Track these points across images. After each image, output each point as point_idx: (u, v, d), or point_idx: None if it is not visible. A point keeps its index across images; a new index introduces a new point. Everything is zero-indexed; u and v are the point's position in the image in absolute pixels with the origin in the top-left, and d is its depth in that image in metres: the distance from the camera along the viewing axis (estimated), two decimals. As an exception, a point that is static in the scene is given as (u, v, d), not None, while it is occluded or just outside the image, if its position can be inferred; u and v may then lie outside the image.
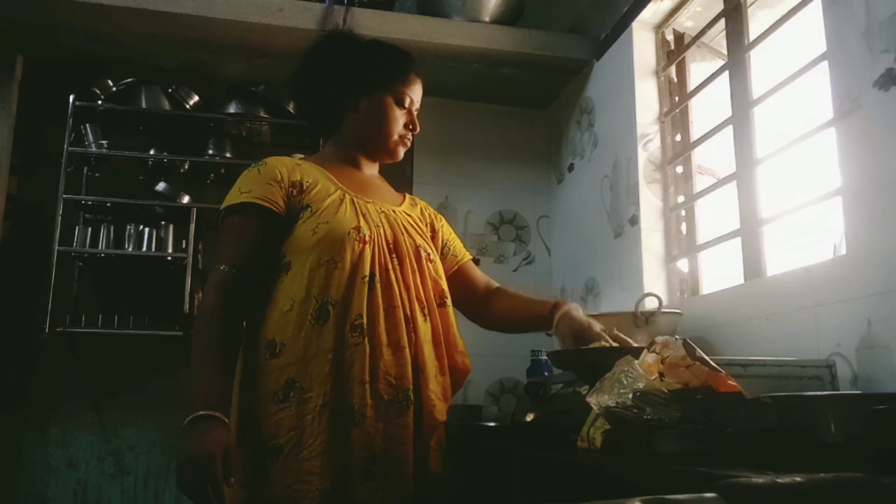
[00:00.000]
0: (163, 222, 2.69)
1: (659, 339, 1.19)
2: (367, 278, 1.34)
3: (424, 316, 1.41)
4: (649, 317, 1.61)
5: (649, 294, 1.68)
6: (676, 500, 0.58)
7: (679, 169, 2.34)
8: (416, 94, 1.56)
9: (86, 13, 2.39)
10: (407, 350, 1.35)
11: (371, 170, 1.58)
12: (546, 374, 2.24)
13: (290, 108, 2.81)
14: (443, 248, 1.61)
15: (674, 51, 2.41)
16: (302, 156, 1.54)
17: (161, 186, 2.69)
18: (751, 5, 2.08)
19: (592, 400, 1.14)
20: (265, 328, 1.33)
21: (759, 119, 1.97)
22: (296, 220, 1.38)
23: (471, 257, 1.69)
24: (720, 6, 2.16)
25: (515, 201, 3.04)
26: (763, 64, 2.02)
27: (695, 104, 2.35)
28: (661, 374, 1.13)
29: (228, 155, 2.79)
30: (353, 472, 1.27)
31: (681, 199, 2.32)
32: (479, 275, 1.69)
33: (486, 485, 1.52)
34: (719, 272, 2.18)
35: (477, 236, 2.97)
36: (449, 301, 1.50)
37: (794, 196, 1.84)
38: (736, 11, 2.09)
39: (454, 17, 2.66)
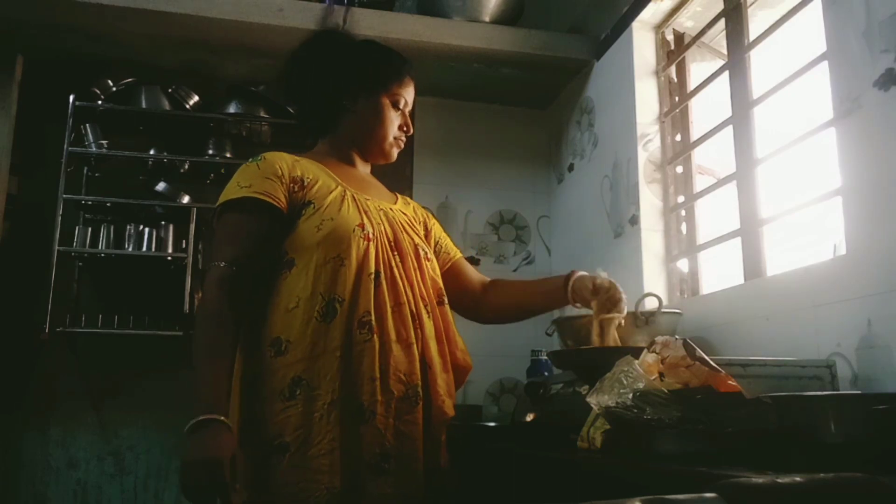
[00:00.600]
0: (163, 222, 2.69)
1: (659, 339, 1.19)
2: (372, 275, 1.34)
3: (428, 313, 1.42)
4: (649, 317, 1.60)
5: (649, 294, 1.67)
6: (676, 500, 0.58)
7: (679, 169, 2.34)
8: (410, 95, 1.57)
9: (86, 13, 2.39)
10: (415, 346, 1.35)
11: (365, 168, 1.58)
12: (546, 374, 2.24)
13: (291, 108, 2.81)
14: (435, 247, 1.62)
15: (674, 51, 2.41)
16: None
17: (161, 186, 2.69)
18: (751, 5, 2.07)
19: (592, 400, 1.14)
20: (269, 326, 1.32)
21: (759, 119, 1.97)
22: (298, 217, 1.37)
23: (461, 255, 1.70)
24: (720, 6, 2.16)
25: (515, 201, 3.05)
26: (763, 64, 2.02)
27: (695, 104, 2.35)
28: (661, 374, 1.13)
29: (228, 155, 2.79)
30: (364, 469, 1.27)
31: (681, 199, 2.32)
32: (472, 271, 1.70)
33: (486, 485, 1.52)
34: (719, 272, 2.18)
35: (477, 236, 2.97)
36: (446, 299, 1.51)
37: (794, 196, 1.84)
38: (736, 11, 2.09)
39: (454, 17, 2.66)
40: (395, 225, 1.45)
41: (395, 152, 1.57)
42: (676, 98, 2.38)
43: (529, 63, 2.73)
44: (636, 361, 1.14)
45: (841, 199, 1.54)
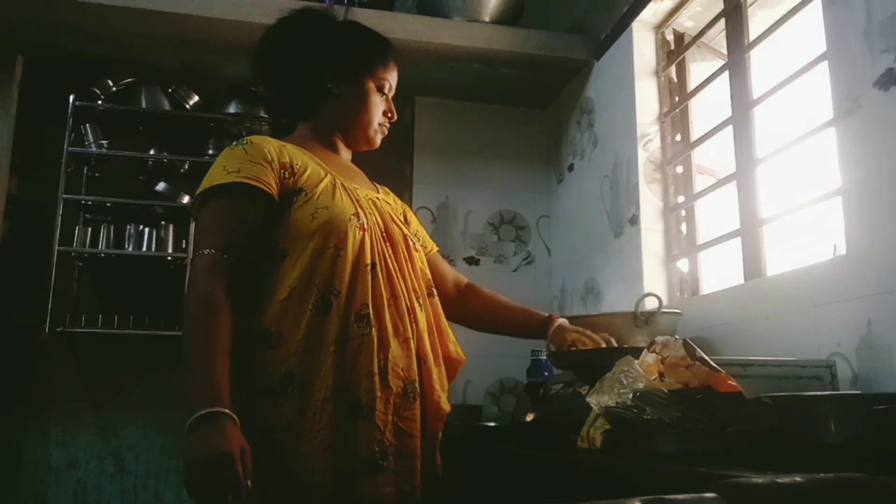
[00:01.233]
0: (163, 222, 2.69)
1: (659, 339, 1.19)
2: (369, 266, 1.30)
3: (420, 306, 1.38)
4: (649, 317, 1.60)
5: (649, 294, 1.67)
6: (676, 500, 0.58)
7: (679, 169, 2.34)
8: (394, 80, 1.51)
9: (86, 13, 2.39)
10: (411, 341, 1.32)
11: (348, 155, 1.52)
12: (546, 374, 2.24)
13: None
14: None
15: (674, 51, 2.41)
16: None
17: (161, 186, 2.69)
18: (751, 5, 2.07)
19: (592, 400, 1.14)
20: (259, 318, 1.26)
21: (759, 119, 1.97)
22: (289, 205, 1.30)
23: (437, 249, 1.66)
24: (720, 6, 2.16)
25: (515, 201, 3.05)
26: (763, 64, 2.02)
27: (695, 104, 2.35)
28: (661, 374, 1.13)
29: (228, 155, 2.79)
30: (361, 467, 1.22)
31: (681, 199, 2.32)
32: (447, 268, 1.67)
33: (486, 485, 1.52)
34: (719, 272, 2.18)
35: (477, 236, 2.97)
36: (435, 291, 1.47)
37: (794, 196, 1.84)
38: (736, 11, 2.09)
39: (454, 17, 2.66)
40: (384, 215, 1.40)
41: (378, 139, 1.51)
42: (676, 98, 2.38)
43: (529, 63, 2.73)
44: (636, 361, 1.14)
45: (841, 199, 1.54)
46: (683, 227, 2.30)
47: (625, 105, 2.42)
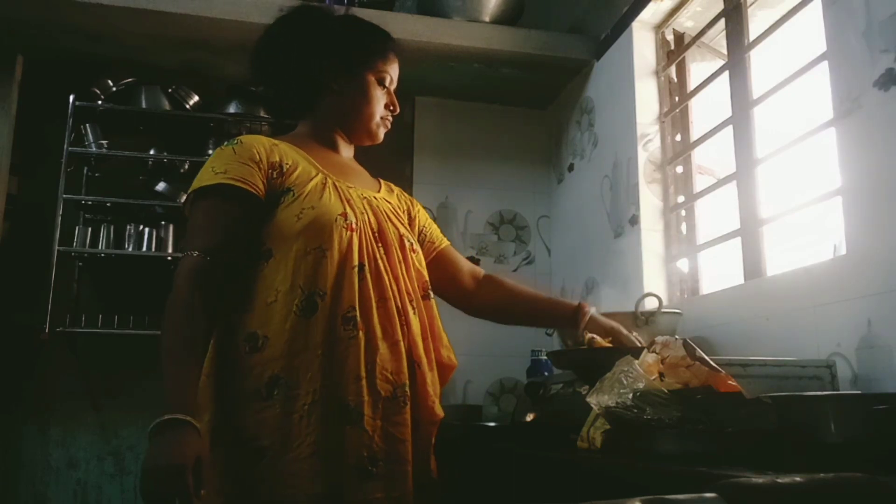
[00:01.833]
0: (163, 222, 2.69)
1: (659, 339, 1.19)
2: (356, 268, 1.26)
3: (413, 309, 1.34)
4: (649, 317, 1.60)
5: (649, 294, 1.67)
6: (676, 500, 0.58)
7: (679, 169, 2.34)
8: (395, 72, 1.49)
9: (86, 13, 2.39)
10: (401, 344, 1.28)
11: (348, 152, 1.49)
12: (546, 374, 2.24)
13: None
14: (419, 234, 1.54)
15: (674, 51, 2.41)
16: None
17: (161, 186, 2.69)
18: (751, 5, 2.07)
19: (592, 400, 1.14)
20: (244, 320, 1.24)
21: (759, 119, 1.97)
22: (276, 205, 1.28)
23: (448, 243, 1.62)
24: (720, 6, 2.16)
25: (515, 201, 3.05)
26: (763, 64, 2.02)
27: (695, 104, 2.35)
28: (661, 374, 1.13)
29: (228, 155, 2.79)
30: (349, 473, 1.20)
31: (681, 199, 2.32)
32: (462, 260, 1.62)
33: (486, 485, 1.52)
34: (719, 272, 2.18)
35: (477, 236, 2.97)
36: (432, 293, 1.43)
37: (794, 196, 1.84)
38: (736, 11, 2.09)
39: (454, 17, 2.66)
40: (379, 214, 1.37)
41: (381, 132, 1.48)
42: (676, 98, 2.38)
43: (529, 63, 2.73)
44: (636, 361, 1.14)
45: (841, 199, 1.54)
46: (683, 227, 2.30)
47: (625, 105, 2.42)
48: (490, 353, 2.77)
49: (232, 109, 2.80)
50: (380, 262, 1.31)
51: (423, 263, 1.45)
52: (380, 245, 1.33)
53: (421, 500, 1.27)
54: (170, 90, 2.77)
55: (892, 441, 0.86)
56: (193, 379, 1.17)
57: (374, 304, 1.27)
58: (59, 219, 2.52)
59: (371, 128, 1.46)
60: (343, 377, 1.22)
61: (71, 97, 2.58)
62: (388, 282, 1.30)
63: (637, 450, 1.08)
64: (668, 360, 1.14)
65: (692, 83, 2.37)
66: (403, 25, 2.54)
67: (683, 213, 2.31)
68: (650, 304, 1.67)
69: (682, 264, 2.26)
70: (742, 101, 2.01)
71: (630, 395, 1.07)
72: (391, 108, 1.49)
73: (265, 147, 1.32)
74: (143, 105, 2.72)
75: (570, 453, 1.27)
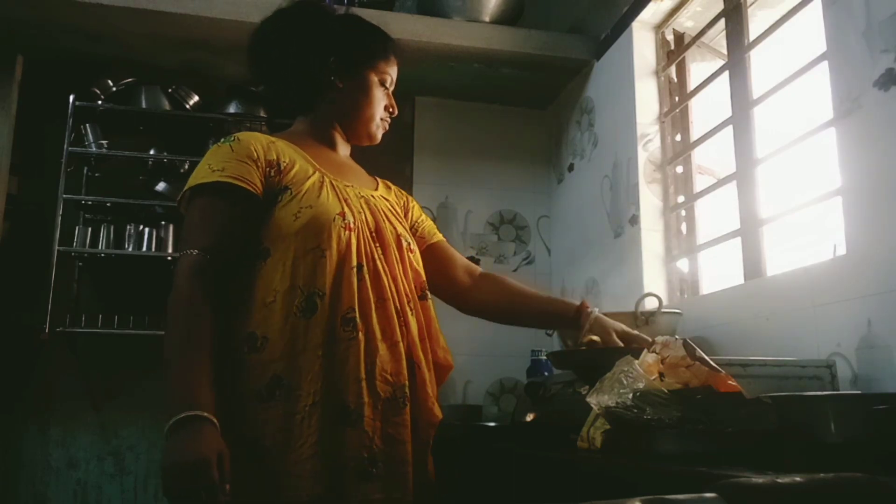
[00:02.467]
0: (163, 222, 2.69)
1: (659, 339, 1.19)
2: (355, 268, 1.25)
3: (411, 310, 1.33)
4: (649, 317, 1.60)
5: (649, 294, 1.67)
6: (676, 500, 0.58)
7: (679, 169, 2.34)
8: (395, 74, 1.48)
9: (86, 13, 2.39)
10: (401, 345, 1.27)
11: (345, 151, 1.48)
12: (546, 374, 2.25)
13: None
14: (412, 227, 1.52)
15: (674, 51, 2.41)
16: None
17: (161, 186, 2.69)
18: (751, 5, 2.08)
19: (592, 400, 1.14)
20: (243, 320, 1.22)
21: (759, 119, 1.97)
22: (274, 204, 1.27)
23: (443, 238, 1.59)
24: (720, 6, 2.16)
25: (515, 201, 3.05)
26: (763, 64, 2.02)
27: (695, 104, 2.35)
28: (661, 374, 1.13)
29: (228, 155, 2.79)
30: (349, 474, 1.19)
31: (681, 199, 2.32)
32: (457, 256, 1.59)
33: (486, 485, 1.52)
34: (719, 272, 2.18)
35: (477, 236, 2.97)
36: (429, 294, 1.42)
37: (794, 196, 1.84)
38: (736, 11, 2.09)
39: (454, 17, 2.66)
40: (377, 213, 1.36)
41: (380, 133, 1.47)
42: (676, 98, 2.38)
43: (529, 63, 2.73)
44: (636, 361, 1.14)
45: (841, 199, 1.54)
46: (683, 227, 2.31)
47: (625, 105, 2.42)
48: (490, 353, 2.77)
49: (232, 109, 2.80)
50: (378, 262, 1.30)
51: (421, 263, 1.44)
52: (377, 245, 1.32)
53: (420, 501, 1.26)
54: (170, 90, 2.77)
55: (892, 441, 0.86)
56: (205, 375, 1.14)
57: (372, 305, 1.26)
58: (59, 219, 2.52)
59: (370, 128, 1.46)
60: (343, 378, 1.21)
61: (71, 97, 2.59)
62: (386, 282, 1.29)
63: (637, 450, 1.08)
64: (668, 360, 1.14)
65: (692, 83, 2.37)
66: (403, 25, 2.54)
67: (683, 213, 2.31)
68: (650, 304, 1.67)
69: (682, 264, 2.26)
70: (742, 101, 2.01)
71: (630, 395, 1.07)
72: (390, 109, 1.48)
73: (262, 144, 1.31)
74: (143, 105, 2.72)
75: (570, 453, 1.27)
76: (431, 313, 1.41)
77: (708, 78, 2.21)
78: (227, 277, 1.24)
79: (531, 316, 1.60)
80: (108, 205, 2.66)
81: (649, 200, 2.31)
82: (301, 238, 1.24)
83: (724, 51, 2.18)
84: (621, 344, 1.42)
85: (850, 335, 1.44)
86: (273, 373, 1.20)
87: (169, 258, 2.65)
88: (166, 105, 2.74)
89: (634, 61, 2.39)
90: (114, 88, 2.73)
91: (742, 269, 1.94)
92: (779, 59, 1.98)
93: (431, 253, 1.54)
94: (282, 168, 1.29)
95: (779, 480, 0.61)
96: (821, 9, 1.63)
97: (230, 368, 1.21)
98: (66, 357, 2.63)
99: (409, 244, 1.40)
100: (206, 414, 1.09)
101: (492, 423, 2.11)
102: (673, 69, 2.41)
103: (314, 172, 1.32)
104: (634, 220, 2.31)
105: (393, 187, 1.56)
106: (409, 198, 1.58)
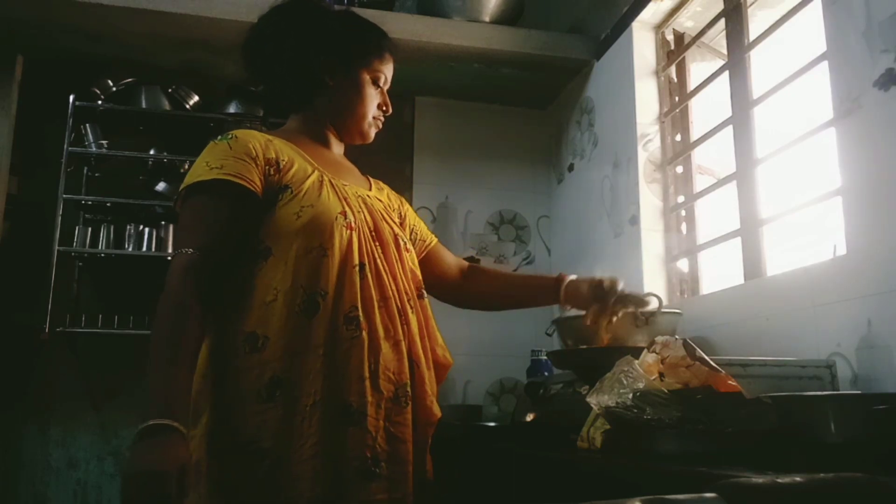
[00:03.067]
0: (163, 222, 2.69)
1: (659, 339, 1.19)
2: (357, 267, 1.25)
3: (411, 308, 1.33)
4: (649, 317, 1.60)
5: (649, 294, 1.67)
6: (676, 500, 0.58)
7: (679, 169, 2.34)
8: (390, 72, 1.47)
9: (86, 13, 2.39)
10: (403, 343, 1.27)
11: (339, 149, 1.47)
12: (546, 374, 2.25)
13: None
14: (410, 234, 1.52)
15: (674, 51, 2.41)
16: None
17: (161, 186, 2.69)
18: (751, 5, 2.07)
19: (592, 400, 1.14)
20: (243, 320, 1.21)
21: (759, 119, 1.97)
22: (274, 202, 1.25)
23: (437, 240, 1.61)
24: (720, 6, 2.16)
25: (515, 201, 3.05)
26: (763, 64, 2.02)
27: (695, 104, 2.35)
28: (661, 374, 1.13)
29: (228, 155, 2.79)
30: (352, 474, 1.18)
31: (681, 199, 2.32)
32: (450, 256, 1.62)
33: (486, 485, 1.52)
34: (719, 272, 2.18)
35: (477, 236, 2.97)
36: (425, 292, 1.42)
37: (794, 196, 1.84)
38: (736, 11, 2.09)
39: (454, 17, 2.66)
40: (375, 213, 1.35)
41: (372, 132, 1.46)
42: (676, 98, 2.38)
43: (529, 63, 2.73)
44: (636, 361, 1.14)
45: (841, 199, 1.54)
46: (683, 227, 2.30)
47: (625, 105, 2.42)
48: (490, 353, 2.77)
49: (232, 109, 2.80)
50: (378, 261, 1.30)
51: (416, 263, 1.44)
52: (377, 244, 1.32)
53: (420, 501, 1.26)
54: (170, 90, 2.77)
55: (892, 441, 0.86)
56: (183, 383, 1.11)
57: (375, 304, 1.26)
58: (59, 219, 2.52)
59: (363, 127, 1.44)
60: (346, 377, 1.20)
61: (71, 97, 2.58)
62: (387, 281, 1.29)
63: (637, 450, 1.08)
64: (668, 360, 1.14)
65: (692, 83, 2.37)
66: (403, 25, 2.54)
67: (683, 213, 2.31)
68: (650, 304, 1.67)
69: (682, 264, 2.26)
70: (742, 101, 2.01)
71: (630, 395, 1.07)
72: (384, 108, 1.47)
73: (261, 143, 1.29)
74: (143, 105, 2.71)
75: (570, 453, 1.27)
76: (429, 312, 1.41)
77: (708, 78, 2.21)
78: (223, 277, 1.23)
79: (516, 297, 1.66)
80: (108, 205, 2.66)
81: (649, 200, 2.31)
82: (303, 237, 1.23)
83: (724, 51, 2.18)
84: (595, 306, 1.50)
85: (850, 335, 1.44)
86: (273, 373, 1.18)
87: (169, 258, 2.65)
88: (166, 105, 2.74)
89: (634, 61, 2.39)
90: (114, 88, 2.73)
91: (742, 269, 1.94)
92: (779, 59, 1.98)
93: (431, 258, 1.57)
94: (281, 166, 1.28)
95: (779, 480, 0.61)
96: (821, 9, 1.63)
97: (228, 369, 1.20)
98: (66, 357, 2.63)
99: (405, 244, 1.40)
100: (175, 424, 1.05)
101: (492, 423, 2.11)
102: (673, 69, 2.41)
103: (313, 171, 1.31)
104: (634, 220, 2.31)
105: (385, 188, 1.55)
106: (403, 201, 1.58)
